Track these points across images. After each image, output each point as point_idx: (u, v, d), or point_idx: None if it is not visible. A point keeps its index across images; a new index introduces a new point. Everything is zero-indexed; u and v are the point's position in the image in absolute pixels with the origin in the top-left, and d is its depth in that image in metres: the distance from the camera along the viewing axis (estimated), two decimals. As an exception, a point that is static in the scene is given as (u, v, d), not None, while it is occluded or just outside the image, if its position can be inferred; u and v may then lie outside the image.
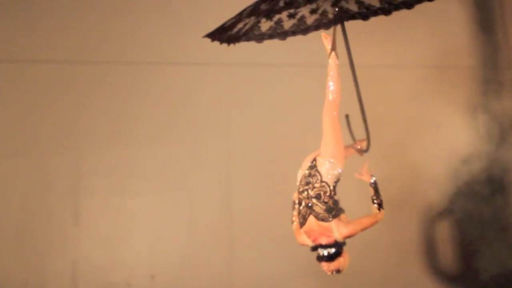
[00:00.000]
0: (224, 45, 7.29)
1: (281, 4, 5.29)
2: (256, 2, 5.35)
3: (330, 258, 5.18)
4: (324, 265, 5.24)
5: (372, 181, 5.44)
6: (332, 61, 5.35)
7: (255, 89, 7.86)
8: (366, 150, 5.57)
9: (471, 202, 7.97)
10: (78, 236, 7.58)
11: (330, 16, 5.39)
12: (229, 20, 5.52)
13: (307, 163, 5.41)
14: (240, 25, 5.56)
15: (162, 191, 7.74)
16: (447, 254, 8.00)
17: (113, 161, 7.67)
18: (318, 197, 5.25)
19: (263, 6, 5.29)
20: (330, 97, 5.34)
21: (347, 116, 5.51)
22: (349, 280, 7.58)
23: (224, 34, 5.63)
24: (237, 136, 7.84)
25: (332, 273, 5.28)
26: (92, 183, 7.64)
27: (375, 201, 5.39)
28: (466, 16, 8.05)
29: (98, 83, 7.69)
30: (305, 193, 5.27)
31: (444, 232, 7.96)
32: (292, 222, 5.40)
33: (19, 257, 7.45)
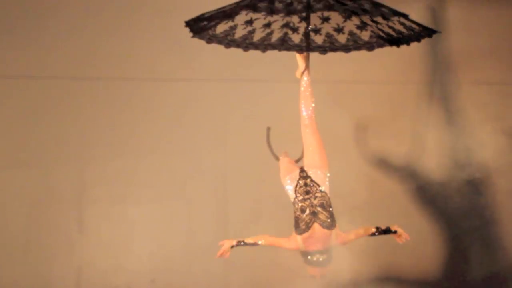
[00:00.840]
0: (220, 61, 7.41)
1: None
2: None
3: (325, 263, 5.47)
4: (318, 270, 5.47)
5: (393, 230, 5.80)
6: (307, 77, 5.62)
7: (251, 103, 8.02)
8: (300, 159, 5.90)
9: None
10: (82, 243, 7.78)
11: (365, 39, 5.55)
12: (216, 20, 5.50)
13: (290, 174, 5.66)
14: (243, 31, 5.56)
15: (161, 200, 7.91)
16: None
17: (115, 172, 7.85)
18: (322, 206, 5.50)
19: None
20: (307, 112, 5.59)
21: (268, 129, 5.71)
22: (342, 282, 7.80)
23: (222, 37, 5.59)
24: (233, 148, 8.00)
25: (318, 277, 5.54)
26: (95, 192, 7.83)
27: (375, 231, 5.76)
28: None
29: (100, 98, 7.89)
30: (308, 201, 5.51)
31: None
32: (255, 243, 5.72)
33: (26, 264, 7.67)
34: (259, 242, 5.78)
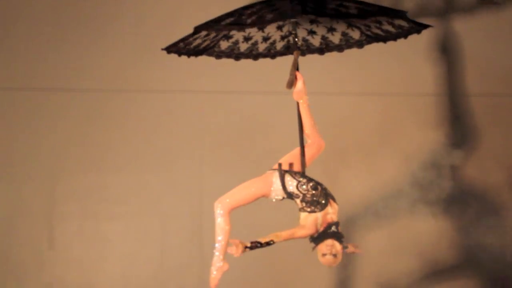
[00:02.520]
0: (194, 72, 7.41)
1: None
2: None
3: (339, 237, 5.34)
4: (333, 244, 5.29)
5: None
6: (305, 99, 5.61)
7: (226, 115, 7.96)
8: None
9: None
10: (53, 260, 7.69)
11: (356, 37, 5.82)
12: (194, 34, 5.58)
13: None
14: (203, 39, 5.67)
15: (134, 216, 7.81)
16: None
17: (87, 187, 7.77)
18: (322, 184, 5.52)
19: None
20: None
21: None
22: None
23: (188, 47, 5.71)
24: (208, 162, 7.92)
25: (330, 264, 5.36)
26: (66, 208, 7.74)
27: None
28: (428, 44, 8.25)
29: (71, 111, 7.82)
30: (313, 182, 5.46)
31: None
32: (266, 243, 5.43)
33: (-6, 281, 7.58)
34: (274, 241, 5.51)
